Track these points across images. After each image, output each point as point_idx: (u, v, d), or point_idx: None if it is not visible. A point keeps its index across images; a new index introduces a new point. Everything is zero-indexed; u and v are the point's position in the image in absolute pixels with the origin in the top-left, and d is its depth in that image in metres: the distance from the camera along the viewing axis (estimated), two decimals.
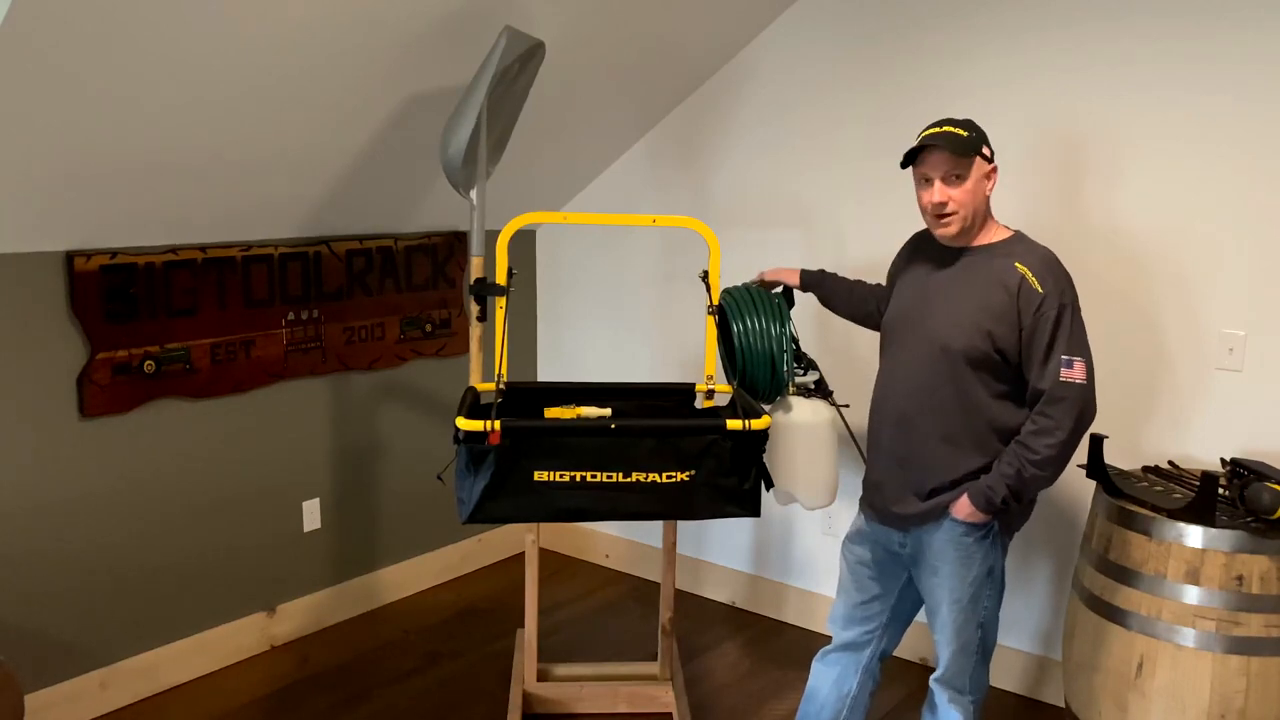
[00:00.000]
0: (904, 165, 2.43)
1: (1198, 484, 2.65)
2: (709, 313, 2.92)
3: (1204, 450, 3.02)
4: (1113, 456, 2.89)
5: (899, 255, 2.70)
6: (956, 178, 2.35)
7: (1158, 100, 3.00)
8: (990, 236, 2.45)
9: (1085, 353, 2.34)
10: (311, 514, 3.76)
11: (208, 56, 2.58)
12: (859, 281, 2.94)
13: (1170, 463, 3.03)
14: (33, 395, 3.01)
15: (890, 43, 3.45)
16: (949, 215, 2.39)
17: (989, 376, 2.40)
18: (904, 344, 2.54)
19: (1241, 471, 2.70)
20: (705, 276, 2.92)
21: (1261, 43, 2.84)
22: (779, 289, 3.03)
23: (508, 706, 3.21)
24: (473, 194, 3.02)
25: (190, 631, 3.45)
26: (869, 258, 3.58)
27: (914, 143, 2.41)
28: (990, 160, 2.40)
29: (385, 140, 3.27)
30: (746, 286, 2.99)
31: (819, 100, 3.63)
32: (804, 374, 2.98)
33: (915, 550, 2.56)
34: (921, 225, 3.03)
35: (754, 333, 2.87)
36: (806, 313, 3.60)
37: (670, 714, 3.22)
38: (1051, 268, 2.36)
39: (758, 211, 3.83)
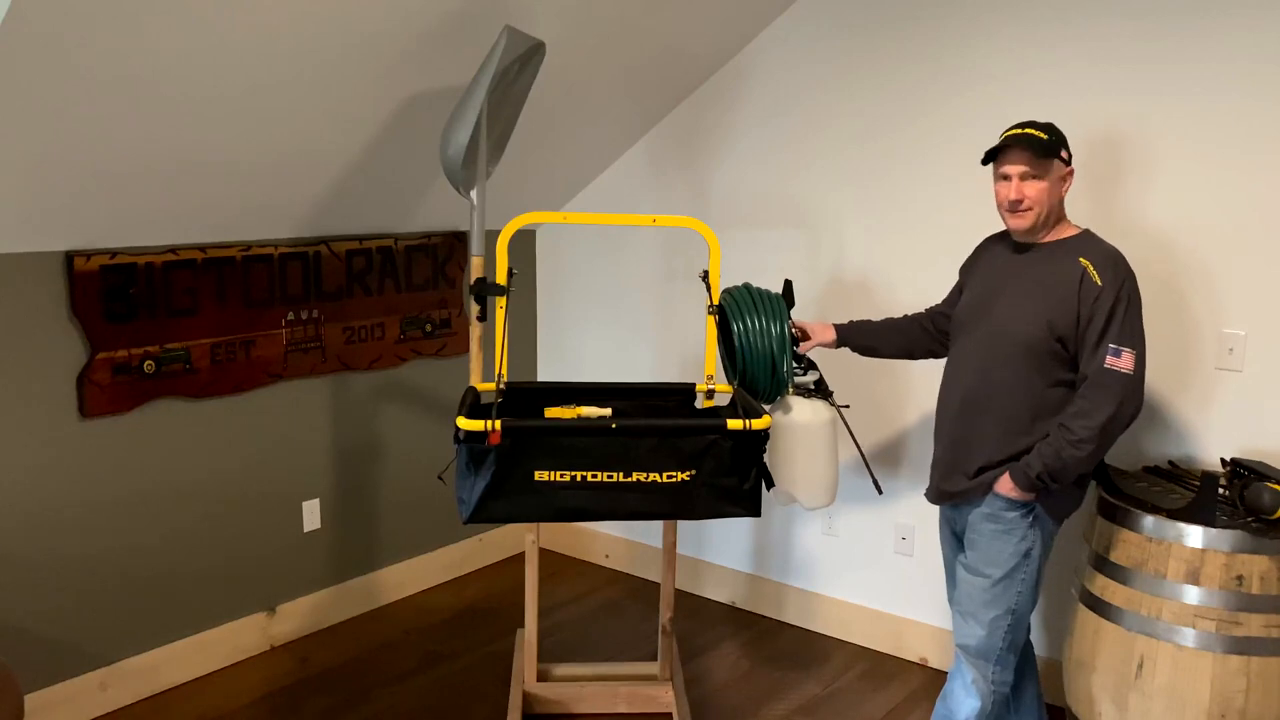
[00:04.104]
0: (985, 162, 2.56)
1: (1198, 484, 2.65)
2: (709, 312, 2.93)
3: (1204, 450, 3.02)
4: (1113, 456, 2.89)
5: (969, 258, 2.82)
6: (1034, 176, 2.49)
7: (1159, 100, 3.00)
8: (1060, 233, 2.57)
9: (1137, 346, 2.43)
10: (311, 514, 3.76)
11: (207, 57, 2.58)
12: (889, 318, 3.02)
13: (1170, 463, 3.03)
14: (33, 395, 3.01)
15: (891, 41, 3.45)
16: (1024, 210, 2.52)
17: (1048, 365, 2.50)
18: (971, 333, 2.66)
19: (1241, 471, 2.71)
20: (705, 276, 2.93)
21: (1262, 42, 2.84)
22: (780, 290, 3.03)
23: (508, 706, 3.21)
24: (473, 194, 3.02)
25: (190, 631, 3.45)
26: (869, 257, 3.59)
27: (995, 141, 2.57)
28: (1068, 163, 2.53)
29: (385, 140, 3.27)
30: (747, 286, 2.99)
31: (819, 100, 3.63)
32: (804, 374, 2.99)
33: (963, 528, 2.67)
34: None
35: (754, 332, 2.88)
36: (806, 313, 3.61)
37: (670, 714, 3.22)
38: (1114, 262, 2.47)
39: (758, 211, 3.83)
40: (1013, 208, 2.53)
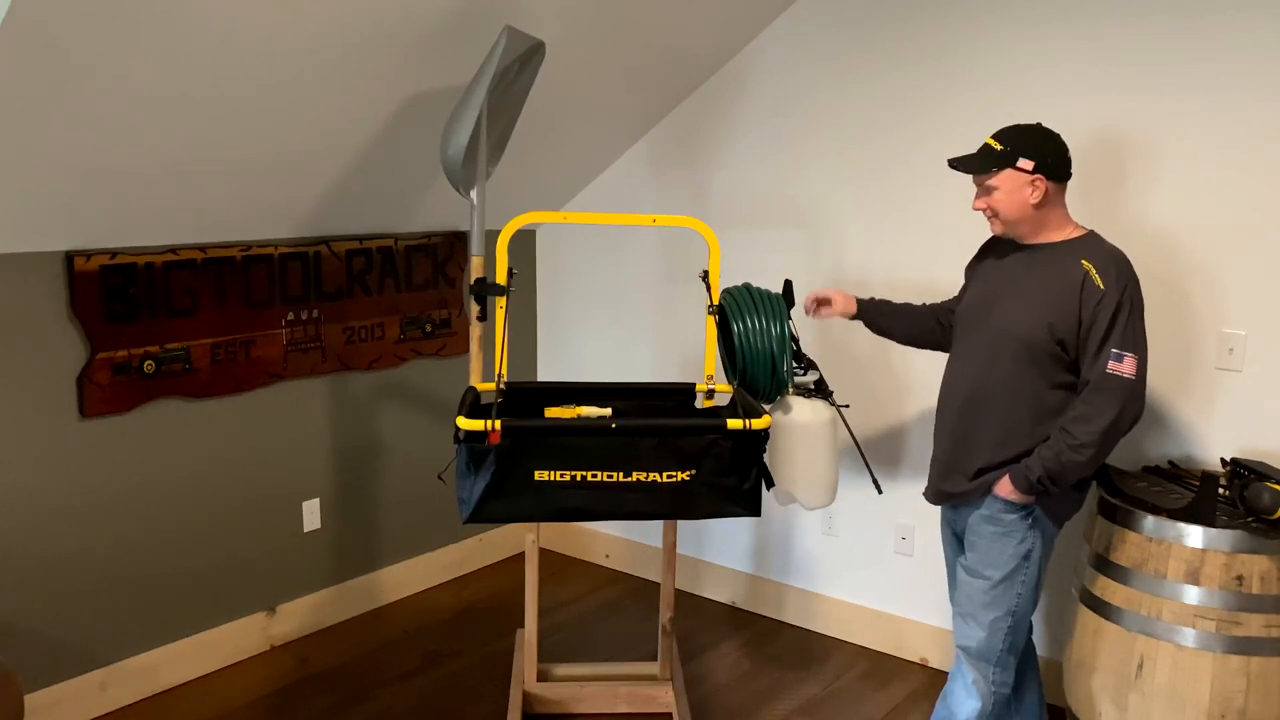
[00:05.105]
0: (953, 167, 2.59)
1: (1198, 484, 2.65)
2: (709, 312, 2.93)
3: (1204, 450, 3.02)
4: (1113, 456, 2.87)
5: (974, 257, 2.82)
6: (986, 188, 2.54)
7: (1160, 100, 3.00)
8: (1060, 235, 2.55)
9: (1139, 350, 2.42)
10: (311, 514, 3.76)
11: (207, 58, 2.58)
12: (908, 303, 3.00)
13: (1170, 463, 3.03)
14: (33, 395, 3.01)
15: (891, 41, 3.45)
16: (990, 218, 2.58)
17: (1049, 367, 2.50)
18: (971, 333, 2.66)
19: (1241, 471, 2.71)
20: (705, 276, 2.93)
21: (1263, 42, 2.84)
22: (780, 289, 3.03)
23: (508, 706, 3.21)
24: (473, 194, 3.02)
25: (190, 631, 3.45)
26: (869, 257, 3.59)
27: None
28: (1034, 171, 2.48)
29: (385, 140, 3.27)
30: (747, 286, 3.00)
31: (819, 100, 3.63)
32: (804, 374, 2.99)
33: (964, 529, 2.67)
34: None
35: (754, 332, 2.88)
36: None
37: (670, 714, 3.22)
38: (1117, 265, 2.46)
39: (758, 211, 3.84)
40: (984, 214, 2.59)
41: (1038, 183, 2.48)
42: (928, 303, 2.99)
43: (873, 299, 3.01)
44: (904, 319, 2.96)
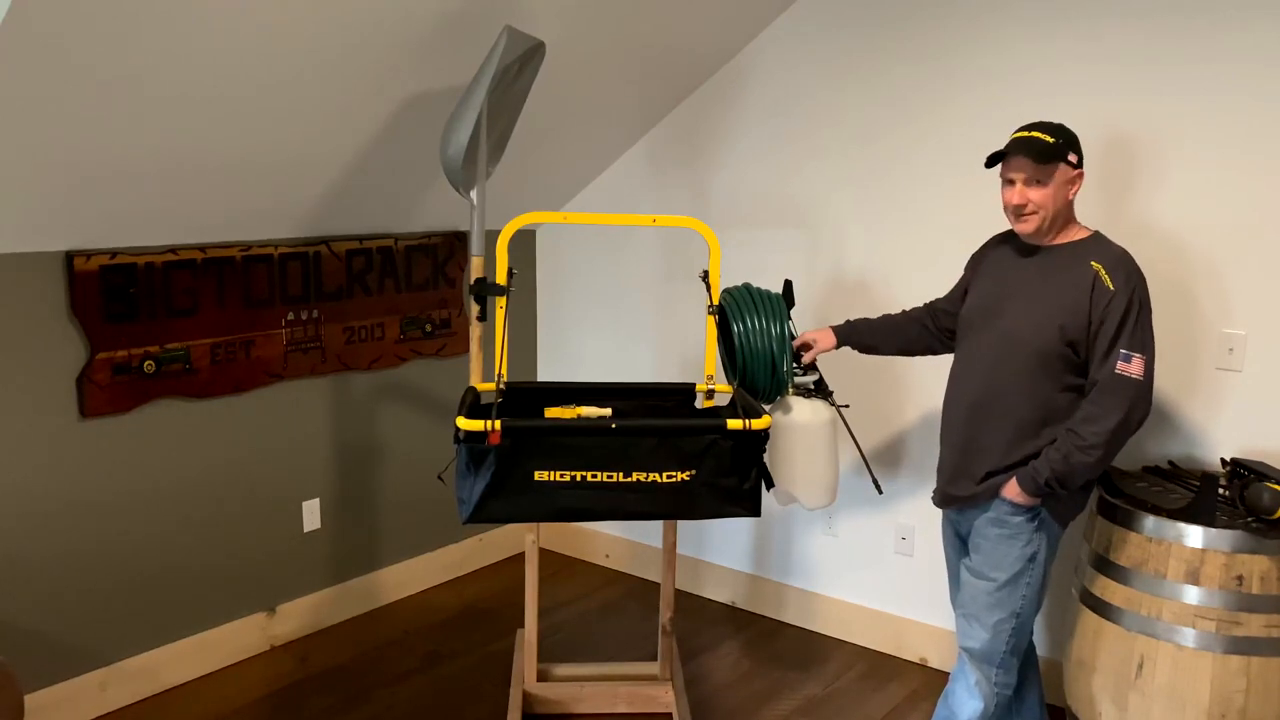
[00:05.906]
0: (988, 165, 2.53)
1: (1198, 484, 2.65)
2: (709, 312, 2.93)
3: (1204, 450, 3.02)
4: None
5: (977, 253, 2.80)
6: (1037, 181, 2.47)
7: (1160, 100, 3.00)
8: (1069, 236, 2.55)
9: (1147, 351, 2.42)
10: (311, 514, 3.76)
11: (208, 58, 2.58)
12: (887, 315, 3.00)
13: (1170, 463, 3.03)
14: (33, 395, 3.01)
15: (891, 41, 3.45)
16: (1028, 215, 2.50)
17: (1058, 369, 2.49)
18: (979, 336, 2.64)
19: (1241, 471, 2.71)
20: (705, 276, 2.93)
21: (1263, 43, 2.84)
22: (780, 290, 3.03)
23: (508, 706, 3.21)
24: (473, 194, 3.02)
25: (190, 631, 3.45)
26: (869, 257, 3.59)
27: (998, 144, 2.53)
28: (1077, 166, 2.48)
29: (385, 140, 3.27)
30: (747, 286, 3.00)
31: (819, 100, 3.63)
32: (804, 374, 2.99)
33: (968, 532, 2.67)
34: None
35: (754, 332, 2.88)
36: (806, 314, 3.61)
37: (670, 714, 3.22)
38: (1126, 266, 2.45)
39: (758, 211, 3.84)
40: (1017, 213, 2.51)
41: (1078, 179, 2.50)
42: (907, 309, 2.99)
43: (848, 322, 3.01)
44: (886, 333, 2.96)
